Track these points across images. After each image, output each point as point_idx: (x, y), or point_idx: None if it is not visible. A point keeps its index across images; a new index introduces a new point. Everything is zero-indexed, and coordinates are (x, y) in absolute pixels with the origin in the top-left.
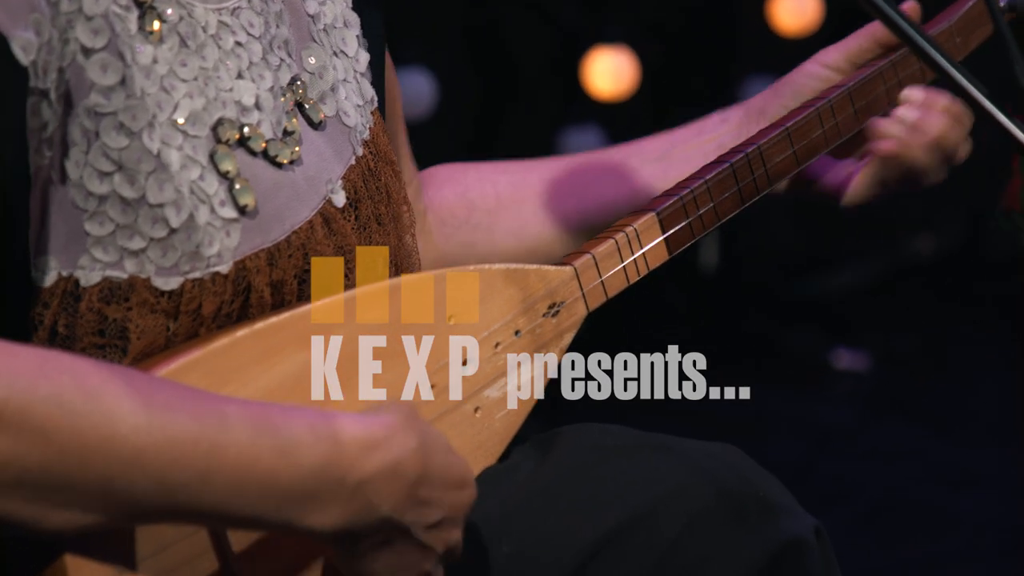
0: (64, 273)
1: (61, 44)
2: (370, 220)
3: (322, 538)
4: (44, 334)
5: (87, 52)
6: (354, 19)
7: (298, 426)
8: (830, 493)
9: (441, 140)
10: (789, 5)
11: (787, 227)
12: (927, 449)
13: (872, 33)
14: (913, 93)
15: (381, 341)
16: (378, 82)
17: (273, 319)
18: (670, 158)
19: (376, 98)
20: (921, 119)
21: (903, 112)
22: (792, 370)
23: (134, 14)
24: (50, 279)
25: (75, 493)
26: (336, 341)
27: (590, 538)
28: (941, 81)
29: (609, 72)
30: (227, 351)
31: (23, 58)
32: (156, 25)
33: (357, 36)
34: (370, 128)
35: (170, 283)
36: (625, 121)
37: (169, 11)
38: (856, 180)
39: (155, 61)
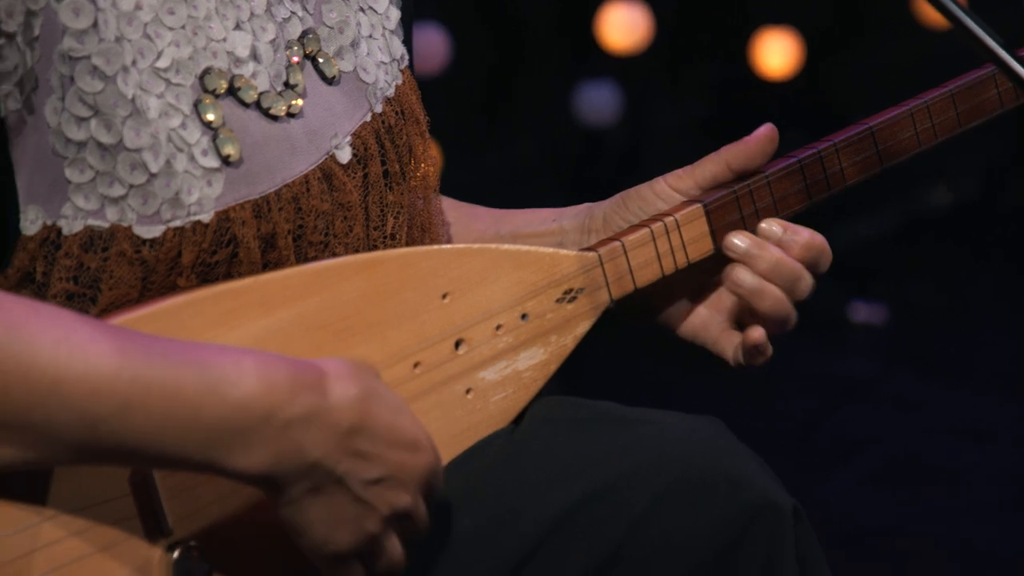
0: (48, 222)
1: None
2: (379, 179)
3: (248, 480)
4: (16, 276)
5: None
6: None
7: (227, 362)
8: (846, 446)
9: (455, 97)
10: None
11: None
12: (943, 401)
13: (724, 160)
14: (772, 227)
15: (357, 312)
16: (408, 40)
17: (236, 282)
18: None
19: (406, 56)
20: (776, 264)
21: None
22: (809, 323)
23: None
24: (35, 228)
25: None
26: (307, 308)
27: (553, 512)
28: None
29: (623, 26)
30: (185, 309)
31: None
32: None
33: None
34: (397, 86)
35: (152, 231)
36: (639, 75)
37: None
38: (697, 312)
39: (138, 7)
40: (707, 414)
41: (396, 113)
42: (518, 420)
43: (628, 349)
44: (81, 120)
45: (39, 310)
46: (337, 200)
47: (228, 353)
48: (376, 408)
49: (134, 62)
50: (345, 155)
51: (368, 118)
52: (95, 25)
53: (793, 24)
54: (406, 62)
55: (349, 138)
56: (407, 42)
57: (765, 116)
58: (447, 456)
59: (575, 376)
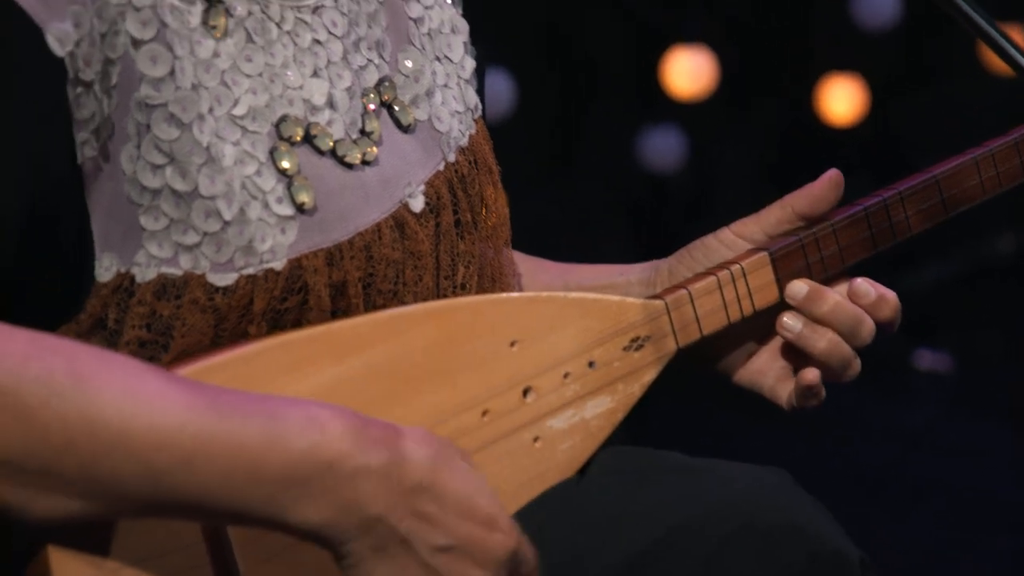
0: (122, 269)
1: (111, 36)
2: (451, 229)
3: (311, 535)
4: (88, 322)
5: (136, 44)
6: (463, 25)
7: (293, 414)
8: (913, 494)
9: (520, 141)
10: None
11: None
12: (1011, 448)
13: (790, 205)
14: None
15: (427, 360)
16: (481, 90)
17: (307, 330)
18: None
19: (480, 106)
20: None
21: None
22: (873, 371)
23: (198, 8)
24: (109, 275)
25: (60, 476)
26: (377, 356)
27: (618, 561)
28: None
29: (688, 72)
30: (255, 358)
31: (58, 49)
32: (221, 20)
33: (464, 42)
34: (470, 135)
35: (225, 279)
36: (704, 121)
37: (237, 6)
38: (753, 362)
39: (216, 55)
40: (772, 462)
41: (469, 163)
42: (584, 469)
43: (693, 396)
44: (156, 167)
45: (107, 360)
46: (408, 249)
47: (296, 405)
48: (448, 474)
49: (210, 109)
50: (418, 204)
51: (441, 167)
52: (172, 73)
53: (858, 70)
54: (480, 112)
55: (422, 187)
56: (480, 91)
57: (830, 162)
58: (514, 505)
59: (640, 424)
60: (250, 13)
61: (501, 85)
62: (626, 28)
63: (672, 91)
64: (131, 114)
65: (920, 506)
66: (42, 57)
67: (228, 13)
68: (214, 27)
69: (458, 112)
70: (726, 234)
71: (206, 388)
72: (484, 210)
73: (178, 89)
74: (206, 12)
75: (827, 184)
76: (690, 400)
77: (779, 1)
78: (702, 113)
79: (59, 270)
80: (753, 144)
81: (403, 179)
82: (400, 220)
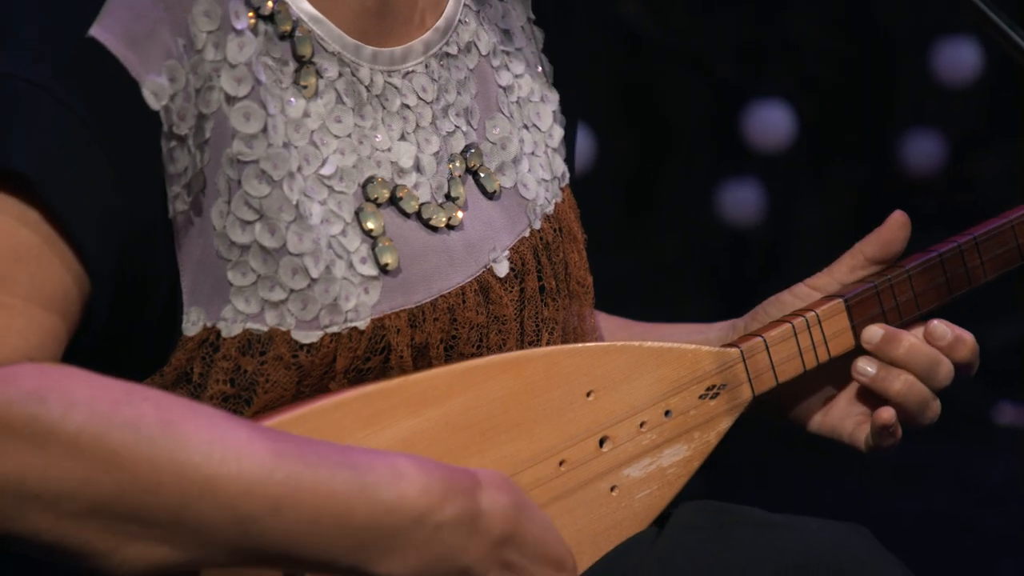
0: (208, 324)
1: (205, 91)
2: (535, 294)
3: None
4: (173, 376)
5: (231, 100)
6: (552, 95)
7: (380, 464)
8: (994, 548)
9: (599, 196)
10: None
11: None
12: None
13: (860, 251)
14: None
15: (503, 411)
16: (571, 158)
17: (384, 383)
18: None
19: (567, 174)
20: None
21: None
22: (954, 424)
23: (290, 67)
24: (195, 329)
25: (148, 522)
26: (453, 408)
27: None
28: None
29: (767, 126)
30: (334, 411)
31: (153, 103)
32: (312, 80)
33: (553, 111)
34: (556, 204)
35: (310, 336)
36: (783, 175)
37: (328, 68)
38: (829, 408)
39: (306, 115)
40: (851, 516)
41: (554, 230)
42: (661, 523)
43: (773, 450)
44: (246, 223)
45: (194, 409)
46: (493, 313)
47: (382, 456)
48: (526, 521)
49: (299, 168)
50: (503, 269)
51: (527, 234)
52: (265, 130)
53: (938, 123)
54: (567, 180)
55: (507, 252)
56: (569, 160)
57: (911, 216)
58: (593, 555)
59: (718, 477)
60: (340, 75)
61: (580, 140)
62: (704, 82)
63: (751, 144)
64: (222, 169)
65: (1002, 562)
66: (138, 110)
67: (319, 74)
68: (305, 87)
69: (545, 180)
70: (801, 288)
71: (292, 438)
72: (568, 277)
73: (270, 146)
74: (297, 72)
75: (895, 226)
76: (768, 453)
77: (859, 55)
78: (781, 167)
79: (147, 323)
80: (832, 198)
81: (488, 244)
82: (485, 284)
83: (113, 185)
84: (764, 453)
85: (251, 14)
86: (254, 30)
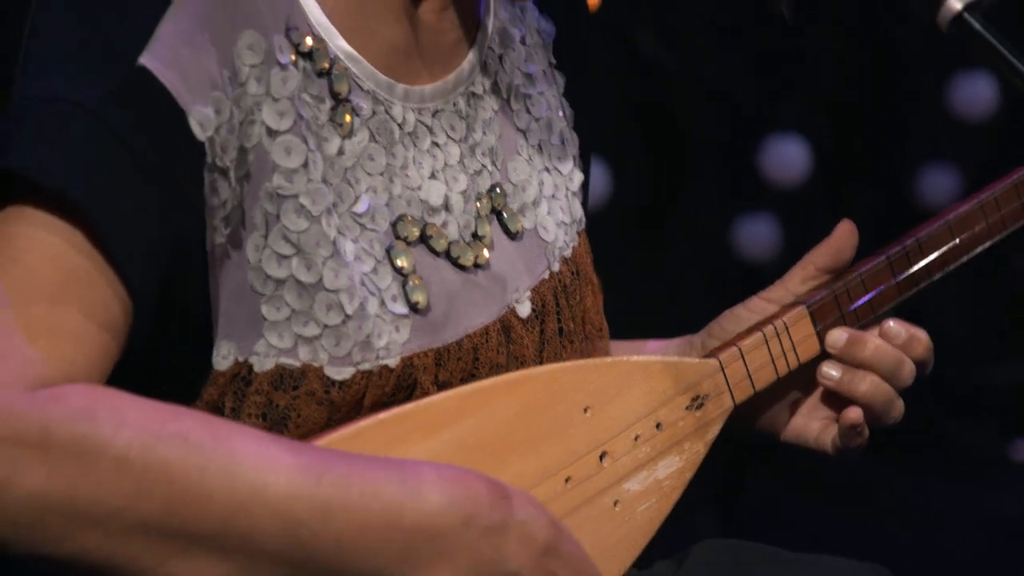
0: (240, 358)
1: (247, 124)
2: (555, 336)
3: None
4: (205, 410)
5: (272, 134)
6: (573, 139)
7: (425, 470)
8: None
9: (613, 227)
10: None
11: (960, 314)
12: None
13: (810, 261)
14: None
15: (511, 431)
16: (586, 202)
17: (397, 409)
18: None
19: (584, 219)
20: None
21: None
22: (969, 463)
23: (327, 105)
24: (227, 363)
25: (198, 534)
26: (464, 430)
27: None
28: None
29: (783, 160)
30: (355, 438)
31: (199, 133)
32: (347, 118)
33: (574, 156)
34: (573, 247)
35: (342, 373)
36: (799, 209)
37: (363, 106)
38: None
39: (341, 152)
40: (866, 555)
41: (572, 273)
42: (680, 561)
43: (789, 488)
44: (283, 258)
45: (239, 426)
46: (513, 353)
47: (425, 463)
48: (564, 536)
49: (334, 205)
50: (525, 309)
51: (546, 275)
52: (305, 165)
53: (954, 157)
54: (583, 225)
55: (529, 293)
56: (585, 204)
57: None
58: (608, 573)
59: (735, 515)
60: (374, 113)
61: (594, 170)
62: (721, 114)
63: (766, 178)
64: (261, 203)
65: None
66: (184, 140)
67: (354, 112)
68: (340, 124)
69: (564, 223)
70: (756, 302)
71: (334, 450)
72: (584, 320)
73: (310, 181)
74: (333, 110)
75: (843, 235)
76: (783, 490)
77: (875, 89)
78: (797, 201)
79: (180, 356)
80: None
81: (511, 284)
82: (507, 324)
83: (158, 213)
84: (780, 492)
85: (292, 51)
86: (295, 65)
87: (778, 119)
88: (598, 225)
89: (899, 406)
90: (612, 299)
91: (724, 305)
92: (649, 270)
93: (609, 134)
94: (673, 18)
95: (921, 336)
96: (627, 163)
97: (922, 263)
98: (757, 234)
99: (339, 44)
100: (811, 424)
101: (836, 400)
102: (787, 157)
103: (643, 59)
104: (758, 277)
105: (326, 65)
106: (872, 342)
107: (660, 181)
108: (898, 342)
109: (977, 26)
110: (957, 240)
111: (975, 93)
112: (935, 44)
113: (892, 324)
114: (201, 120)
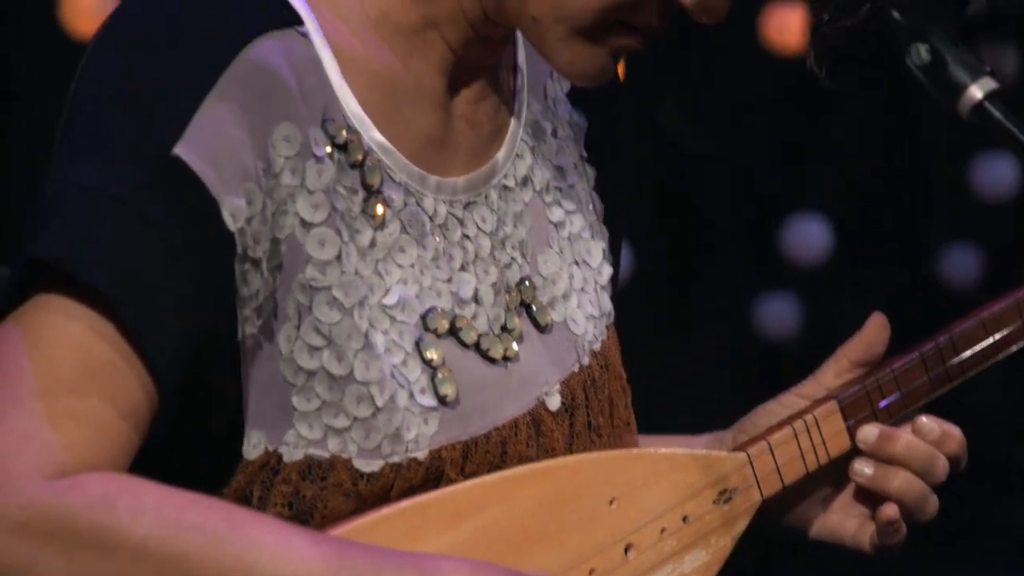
0: (270, 448)
1: (279, 215)
2: (584, 430)
3: None
4: (232, 497)
5: (306, 226)
6: (603, 232)
7: (445, 564)
8: None
9: (634, 305)
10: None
11: (1005, 391)
12: None
13: (843, 355)
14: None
15: (535, 522)
16: (616, 296)
17: (420, 498)
18: None
19: (613, 313)
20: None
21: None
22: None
23: (359, 196)
24: (256, 452)
25: None
26: (488, 520)
27: None
28: None
29: (805, 239)
30: (375, 527)
31: (231, 223)
32: (379, 210)
33: (603, 249)
34: (602, 340)
35: (371, 465)
36: (820, 288)
37: (395, 198)
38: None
39: (372, 244)
40: None
41: (600, 366)
42: None
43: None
44: (314, 349)
45: (259, 516)
46: (543, 447)
47: (444, 557)
48: None
49: (366, 296)
50: (554, 403)
51: (576, 368)
52: (339, 257)
53: (976, 237)
54: (612, 318)
55: (558, 386)
56: (615, 298)
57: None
58: None
59: None
60: (406, 205)
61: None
62: (743, 193)
63: (788, 257)
64: (293, 294)
65: None
66: (216, 230)
67: (386, 204)
68: (372, 216)
69: (593, 316)
70: (788, 397)
71: (353, 542)
72: (613, 414)
73: (343, 274)
74: (366, 201)
75: (875, 328)
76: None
77: (897, 169)
78: (818, 280)
79: (209, 443)
80: (870, 311)
81: (540, 377)
82: (537, 418)
83: (187, 304)
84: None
85: (328, 143)
86: (331, 157)
87: (800, 198)
88: (620, 303)
89: (933, 502)
90: (632, 376)
91: (745, 384)
92: (670, 347)
93: (631, 212)
94: (695, 97)
95: (954, 432)
96: (649, 240)
97: (955, 360)
98: (778, 312)
99: (373, 136)
100: (847, 522)
101: (871, 496)
102: (809, 236)
103: (664, 137)
104: (779, 356)
105: (360, 157)
106: (904, 438)
107: (682, 259)
108: (931, 438)
109: (997, 114)
110: (992, 339)
111: (997, 173)
112: (957, 124)
113: (925, 420)
114: (233, 211)
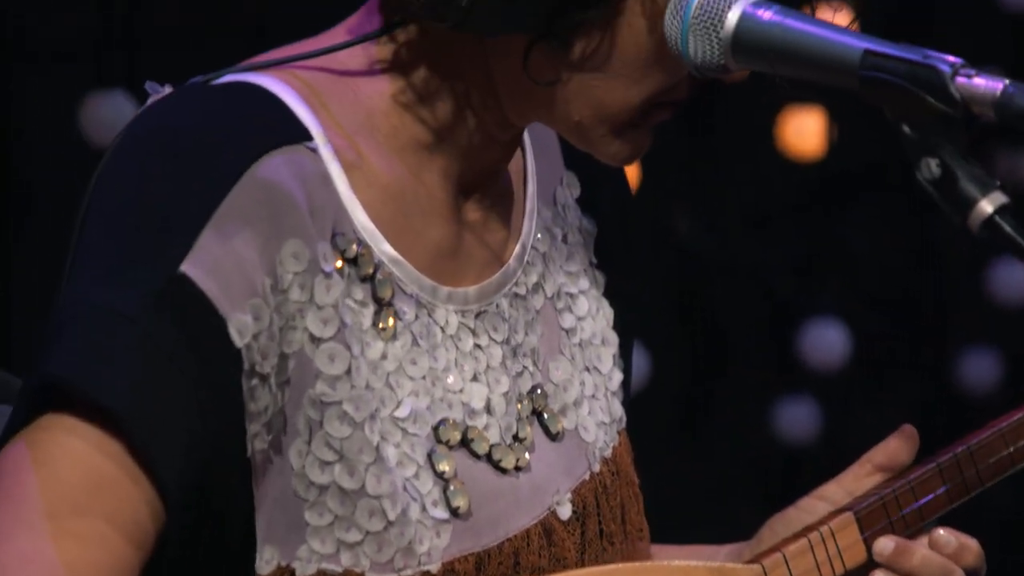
0: (283, 563)
1: (287, 331)
2: (596, 538)
3: None
4: None
5: (316, 341)
6: (613, 338)
7: None
8: None
9: (652, 411)
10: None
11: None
12: None
13: (868, 460)
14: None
15: None
16: (628, 401)
17: None
18: None
19: (624, 418)
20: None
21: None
22: None
23: (370, 309)
24: (269, 568)
25: None
26: None
27: None
28: None
29: (822, 344)
30: None
31: (237, 340)
32: (390, 322)
33: (614, 355)
34: (613, 447)
35: None
36: (839, 394)
37: (406, 310)
38: None
39: (384, 357)
40: None
41: (612, 473)
42: None
43: None
44: (326, 464)
45: None
46: (555, 556)
47: None
48: None
49: (377, 410)
50: (566, 511)
51: (587, 476)
52: (348, 371)
53: (994, 342)
54: (623, 424)
55: (569, 495)
56: (626, 403)
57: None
58: None
59: None
60: (417, 316)
61: (633, 354)
62: (760, 298)
63: (806, 362)
64: (303, 410)
65: None
66: (223, 347)
67: (397, 316)
68: (383, 329)
69: (604, 423)
70: (807, 501)
71: None
72: (625, 521)
73: (353, 388)
74: (377, 314)
75: (903, 437)
76: None
77: (914, 274)
78: (836, 385)
79: (223, 559)
80: (889, 417)
81: (551, 486)
82: (548, 527)
83: (195, 421)
84: None
85: (338, 257)
86: (340, 272)
87: (817, 302)
88: (637, 408)
89: None
90: (649, 482)
91: (764, 490)
92: (688, 452)
93: (647, 318)
94: (711, 203)
95: (971, 545)
96: (666, 346)
97: (973, 471)
98: (796, 418)
99: (384, 249)
100: None
101: None
102: (827, 341)
103: (680, 243)
104: (797, 461)
105: (371, 271)
106: (919, 552)
107: (699, 364)
108: (948, 551)
109: (1008, 229)
110: (1010, 450)
111: (1015, 279)
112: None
113: (942, 532)
114: (240, 327)
